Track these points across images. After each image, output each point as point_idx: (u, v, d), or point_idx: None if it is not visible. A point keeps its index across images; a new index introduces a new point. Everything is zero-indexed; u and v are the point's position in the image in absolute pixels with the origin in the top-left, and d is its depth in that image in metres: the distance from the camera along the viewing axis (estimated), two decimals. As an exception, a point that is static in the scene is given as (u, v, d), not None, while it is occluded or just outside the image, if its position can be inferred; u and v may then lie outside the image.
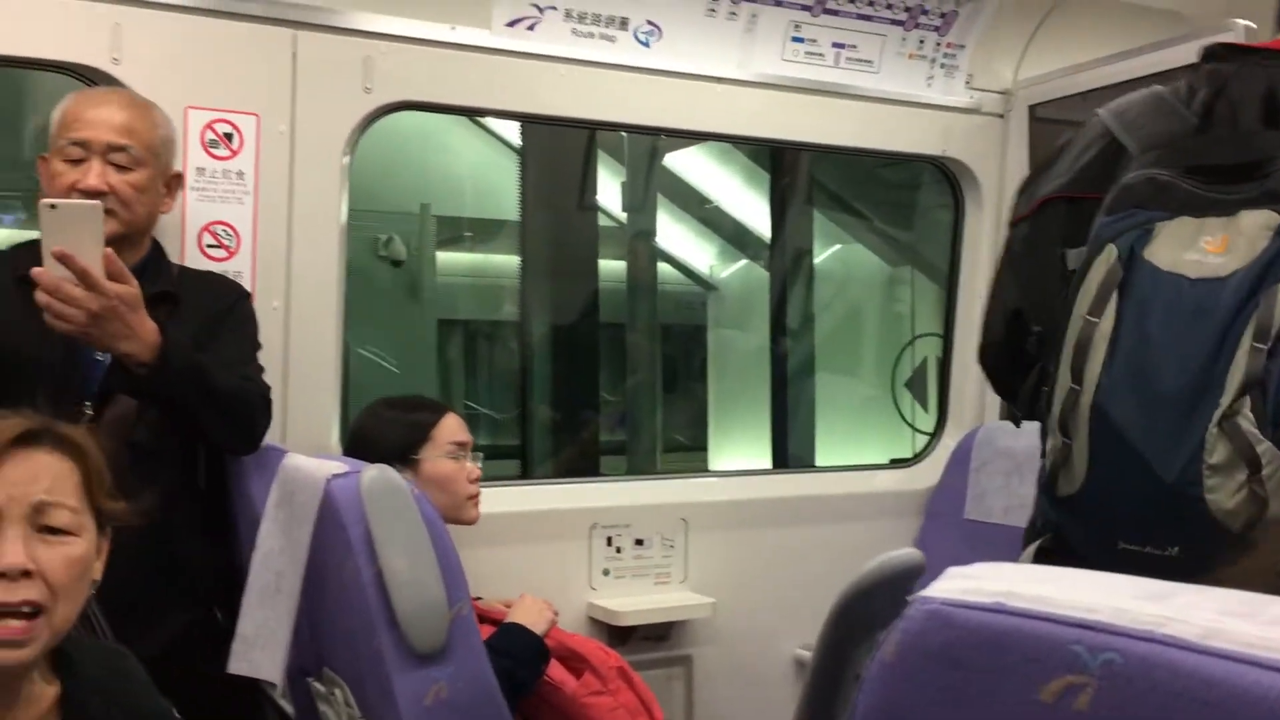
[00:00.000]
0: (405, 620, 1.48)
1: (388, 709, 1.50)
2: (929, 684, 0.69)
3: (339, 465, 1.62)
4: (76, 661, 1.41)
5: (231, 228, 2.24)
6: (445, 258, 7.01)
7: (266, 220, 2.27)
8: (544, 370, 4.94)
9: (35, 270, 1.63)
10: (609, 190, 6.43)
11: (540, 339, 4.97)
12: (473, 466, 2.22)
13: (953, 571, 0.75)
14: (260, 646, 1.64)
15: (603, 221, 6.59)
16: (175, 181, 2.04)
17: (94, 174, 1.89)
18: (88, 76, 2.14)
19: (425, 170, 6.73)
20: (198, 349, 1.90)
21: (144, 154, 1.94)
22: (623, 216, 6.41)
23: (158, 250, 2.04)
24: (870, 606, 0.75)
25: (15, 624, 1.24)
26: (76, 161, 1.90)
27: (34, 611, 1.26)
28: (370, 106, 2.35)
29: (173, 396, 1.74)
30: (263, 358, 2.06)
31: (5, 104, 4.22)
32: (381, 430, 2.19)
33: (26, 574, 1.24)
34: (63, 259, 1.60)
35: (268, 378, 2.02)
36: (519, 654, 2.08)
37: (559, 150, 4.73)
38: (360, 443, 2.19)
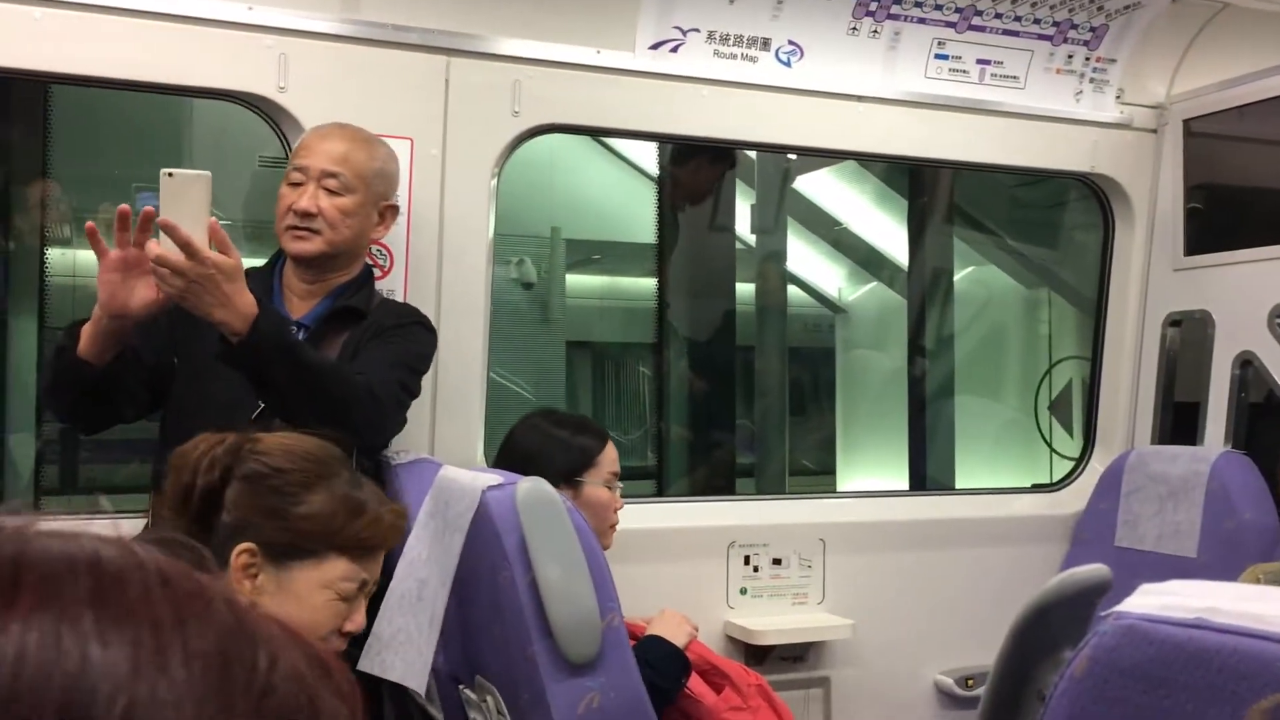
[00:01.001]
0: (559, 629, 1.50)
1: (541, 717, 1.52)
2: (1123, 701, 0.68)
3: (494, 477, 1.66)
4: None
5: (385, 248, 2.31)
6: (575, 280, 7.11)
7: (418, 240, 2.34)
8: (680, 391, 4.96)
9: (148, 243, 1.72)
10: (739, 213, 6.44)
11: (676, 360, 4.99)
12: (618, 497, 2.26)
13: (1148, 587, 0.73)
14: (392, 650, 1.69)
15: (739, 245, 6.61)
16: (389, 211, 2.16)
17: (307, 196, 2.04)
18: (256, 105, 2.25)
19: (556, 194, 6.84)
20: (352, 354, 1.97)
21: (355, 182, 2.06)
22: (753, 239, 6.42)
23: (366, 274, 2.17)
24: (1054, 623, 0.74)
25: None
26: (297, 185, 2.05)
27: None
28: (518, 129, 2.41)
29: (262, 368, 1.79)
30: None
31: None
32: (548, 448, 2.23)
33: None
34: (166, 228, 1.69)
35: (420, 396, 2.08)
36: (660, 665, 2.09)
37: (698, 172, 4.76)
38: (520, 457, 2.22)
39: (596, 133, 2.84)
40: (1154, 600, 0.69)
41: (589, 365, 7.41)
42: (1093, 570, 0.78)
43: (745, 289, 6.22)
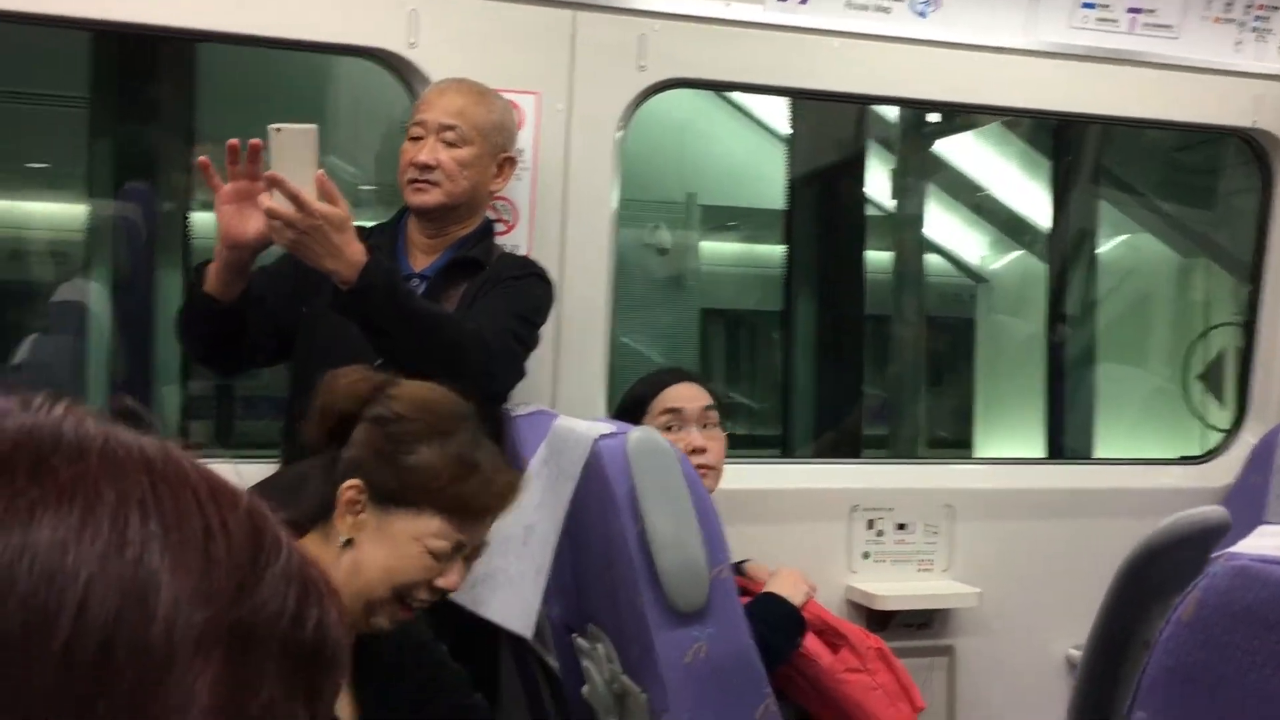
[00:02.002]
0: (667, 578, 1.50)
1: (649, 665, 1.52)
2: (1232, 645, 0.64)
3: (607, 426, 1.66)
4: None
5: (510, 203, 2.33)
6: (710, 247, 7.07)
7: (543, 196, 2.35)
8: (806, 360, 4.88)
9: (261, 196, 1.77)
10: (877, 179, 6.30)
11: (804, 328, 4.92)
12: (693, 436, 2.19)
13: (1265, 529, 0.68)
14: (488, 587, 1.72)
15: (871, 211, 6.48)
16: (508, 163, 2.18)
17: (425, 150, 2.08)
18: (387, 60, 2.29)
19: (691, 159, 6.81)
20: (469, 305, 1.99)
21: (471, 134, 2.09)
22: (891, 205, 6.27)
23: (486, 227, 2.19)
24: (1164, 567, 0.70)
25: (409, 612, 1.46)
26: (417, 139, 2.09)
27: None
28: (644, 84, 2.40)
29: (372, 316, 1.82)
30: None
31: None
32: (626, 394, 2.25)
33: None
34: (275, 182, 1.73)
35: (541, 351, 2.09)
36: (775, 622, 2.07)
37: (828, 134, 4.66)
38: (617, 409, 2.24)
39: (723, 87, 2.80)
40: (1270, 542, 0.64)
41: (723, 333, 7.37)
42: (1208, 512, 0.73)
43: (879, 257, 6.09)
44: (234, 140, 1.81)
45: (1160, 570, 0.70)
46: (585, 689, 1.86)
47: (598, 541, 1.66)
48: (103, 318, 3.18)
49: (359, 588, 1.42)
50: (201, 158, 1.85)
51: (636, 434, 1.57)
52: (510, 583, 1.68)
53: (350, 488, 1.41)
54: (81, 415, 0.41)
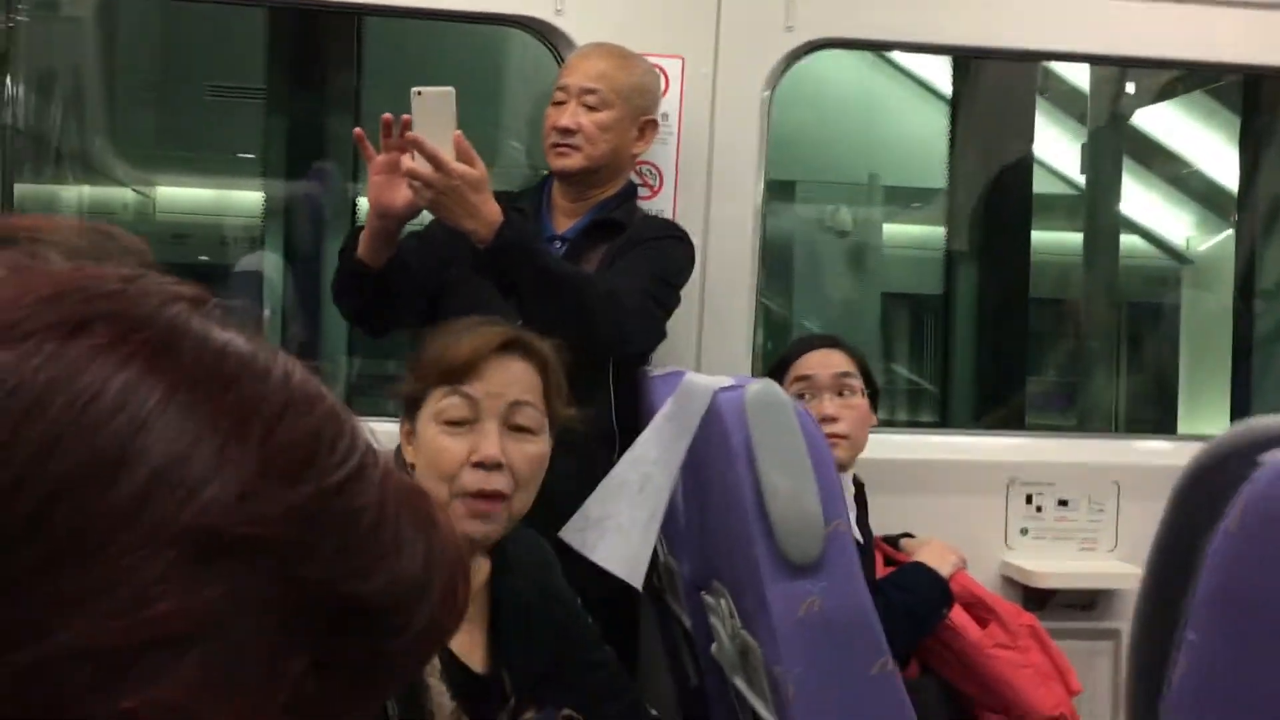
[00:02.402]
0: (780, 530, 1.47)
1: (763, 618, 1.50)
2: (1275, 556, 0.58)
3: (730, 380, 1.65)
4: (507, 544, 1.57)
5: (655, 167, 2.34)
6: (892, 229, 6.91)
7: (688, 160, 2.36)
8: (966, 345, 4.70)
9: (403, 157, 1.83)
10: (1069, 154, 6.02)
11: (964, 313, 4.74)
12: (824, 405, 2.13)
13: (1321, 434, 0.62)
14: (598, 532, 1.72)
15: (1058, 188, 6.19)
16: (649, 126, 2.20)
17: (567, 114, 2.12)
18: (534, 28, 2.34)
19: (874, 140, 6.67)
20: (609, 266, 2.02)
21: (612, 97, 2.12)
22: (1081, 181, 5.98)
23: (629, 190, 2.22)
24: (1223, 484, 0.64)
25: (485, 503, 1.42)
26: (560, 104, 2.14)
27: (501, 496, 1.44)
28: (791, 45, 2.37)
29: (508, 274, 1.87)
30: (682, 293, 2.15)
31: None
32: (771, 362, 2.22)
33: (499, 466, 1.42)
34: (414, 143, 1.79)
35: (686, 315, 2.10)
36: (920, 591, 2.02)
37: (997, 101, 4.46)
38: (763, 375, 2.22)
39: (877, 47, 2.74)
40: (1326, 444, 0.58)
41: (906, 318, 7.19)
42: (1263, 421, 0.67)
43: (1058, 239, 5.82)
44: (387, 115, 1.89)
45: (1213, 486, 0.65)
46: (714, 646, 1.85)
47: (717, 495, 1.65)
48: (277, 286, 3.39)
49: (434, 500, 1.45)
50: (357, 130, 1.94)
51: (755, 386, 1.55)
52: (620, 530, 1.69)
53: (404, 421, 1.49)
54: (187, 310, 0.38)
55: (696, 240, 2.34)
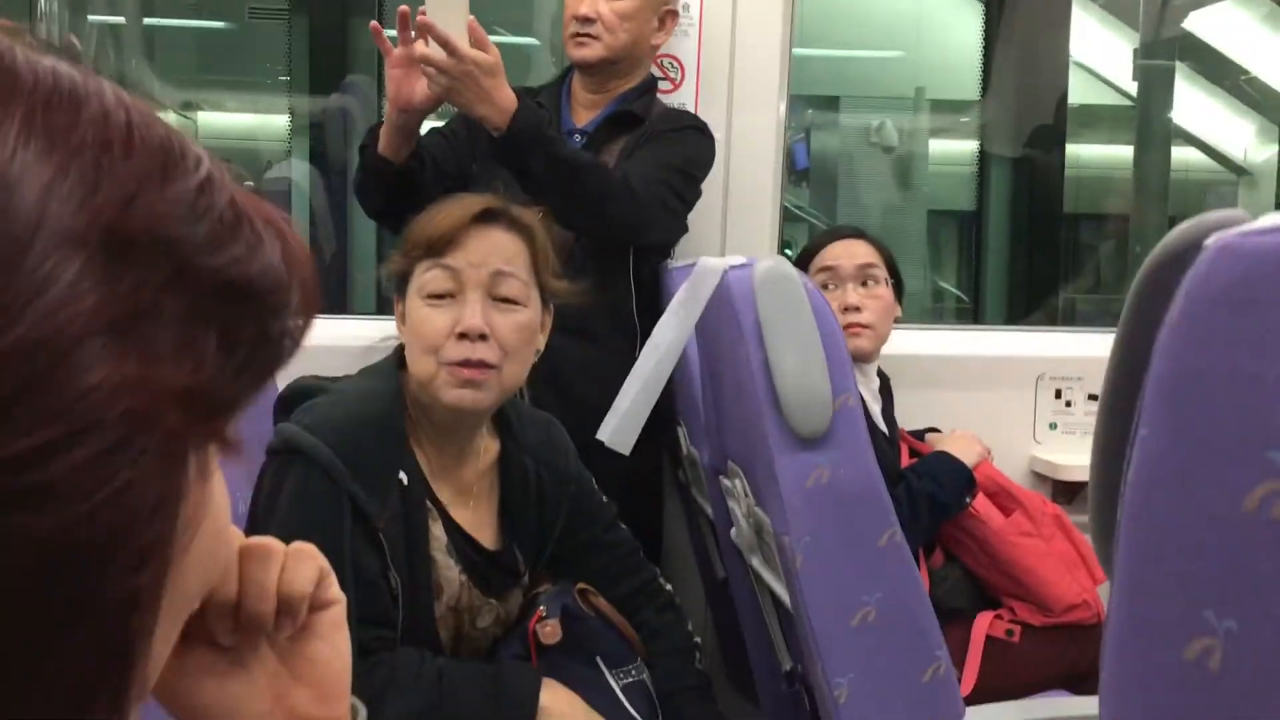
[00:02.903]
0: (787, 404, 1.48)
1: (771, 491, 1.52)
2: (1216, 335, 0.58)
3: (741, 259, 1.65)
4: (515, 424, 1.58)
5: (677, 61, 2.32)
6: (942, 145, 6.79)
7: (710, 52, 2.33)
8: (999, 261, 4.64)
9: (416, 43, 1.83)
10: (1120, 58, 5.85)
11: (996, 229, 4.68)
12: (847, 295, 2.12)
13: (1274, 215, 0.61)
14: (623, 417, 1.73)
15: (1108, 98, 6.03)
16: (670, 16, 2.19)
17: (586, 2, 2.11)
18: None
19: (922, 54, 6.53)
20: (627, 158, 2.01)
21: None
22: (1132, 89, 5.83)
23: (649, 83, 2.21)
24: (1176, 277, 0.64)
25: (472, 370, 1.43)
26: None
27: (487, 369, 1.44)
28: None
29: (522, 162, 1.86)
30: (705, 188, 2.14)
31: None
32: (796, 256, 2.21)
33: (483, 336, 1.41)
34: (426, 28, 1.78)
35: (709, 210, 2.08)
36: (943, 479, 2.03)
37: (1030, 8, 4.34)
38: None
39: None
40: (1266, 221, 0.58)
41: (954, 236, 7.09)
42: (1227, 213, 0.65)
43: (1105, 152, 5.70)
44: (404, 7, 1.88)
45: (1164, 283, 0.64)
46: (733, 530, 1.88)
47: (729, 373, 1.66)
48: (305, 192, 3.43)
49: (417, 378, 1.46)
50: (373, 23, 1.94)
51: (764, 262, 1.55)
52: (617, 407, 1.69)
53: (398, 303, 1.50)
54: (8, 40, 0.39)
55: (719, 134, 2.33)
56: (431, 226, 1.45)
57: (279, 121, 4.08)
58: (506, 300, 1.46)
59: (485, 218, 1.46)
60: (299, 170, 3.43)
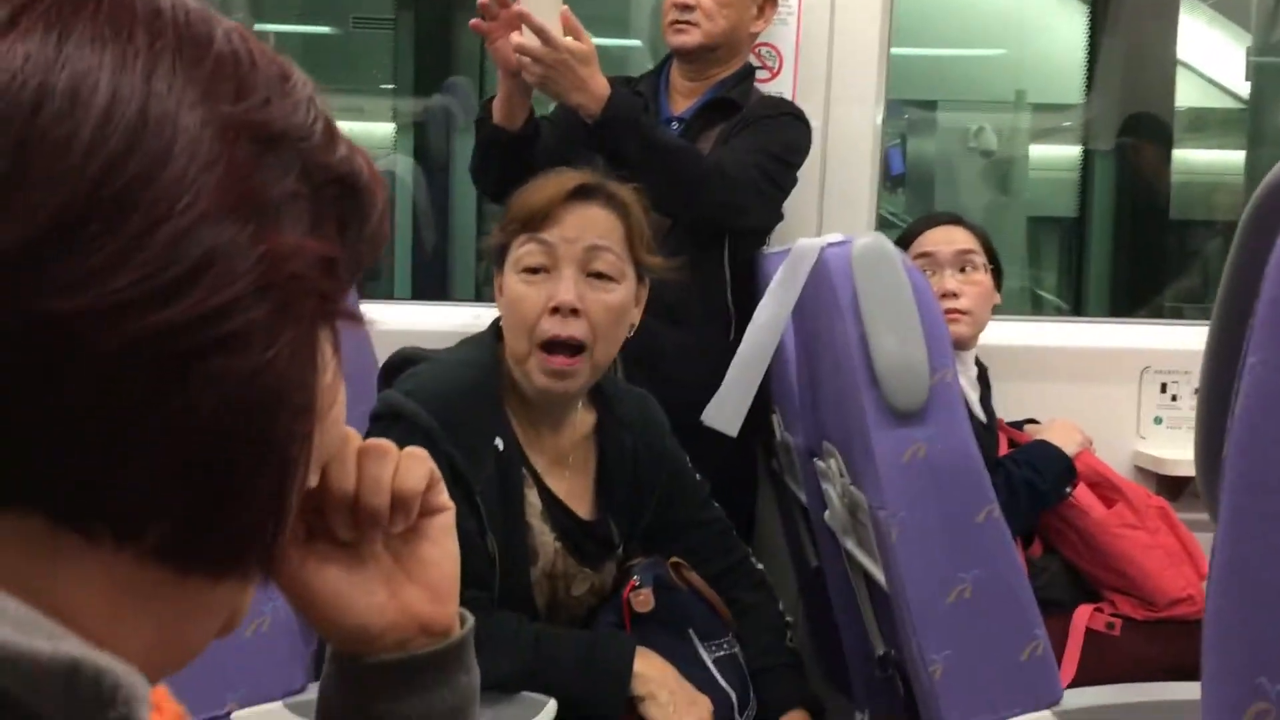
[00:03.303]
0: (884, 378, 1.48)
1: (868, 467, 1.52)
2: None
3: (838, 236, 1.66)
4: (611, 398, 1.61)
5: (775, 49, 2.33)
6: (1042, 150, 6.66)
7: (808, 42, 2.34)
8: (1101, 270, 4.53)
9: (512, 34, 1.86)
10: (1229, 62, 5.69)
11: (1100, 235, 4.56)
12: (945, 281, 2.09)
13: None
14: (727, 403, 1.74)
15: (1218, 101, 5.86)
16: (769, 4, 2.21)
17: None
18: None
19: (1023, 56, 6.42)
20: (723, 142, 2.02)
21: None
22: (1244, 91, 5.65)
23: (746, 70, 2.23)
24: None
25: (562, 358, 1.45)
26: None
27: (578, 348, 1.45)
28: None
29: (616, 148, 1.88)
30: (801, 174, 2.15)
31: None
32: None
33: (575, 312, 1.43)
34: (523, 19, 1.82)
35: (805, 198, 2.08)
36: (1041, 467, 2.00)
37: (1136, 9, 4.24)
38: None
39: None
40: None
41: (1055, 242, 6.94)
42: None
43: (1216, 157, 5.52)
44: None
45: (1273, 216, 0.64)
46: (826, 513, 1.88)
47: (827, 354, 1.66)
48: (408, 184, 3.53)
49: (511, 354, 1.48)
50: (473, 21, 1.97)
51: (862, 239, 1.55)
52: (743, 395, 1.70)
53: (494, 279, 1.52)
54: None
55: (816, 122, 2.33)
56: (529, 201, 1.47)
57: (385, 129, 4.22)
58: (601, 276, 1.48)
59: (581, 193, 1.48)
60: (403, 165, 3.55)
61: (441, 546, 0.68)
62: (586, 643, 1.47)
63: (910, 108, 6.50)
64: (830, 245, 1.63)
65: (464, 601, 1.41)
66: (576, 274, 1.45)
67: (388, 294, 3.46)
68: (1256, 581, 0.69)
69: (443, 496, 0.68)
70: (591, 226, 1.47)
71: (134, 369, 0.39)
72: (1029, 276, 6.56)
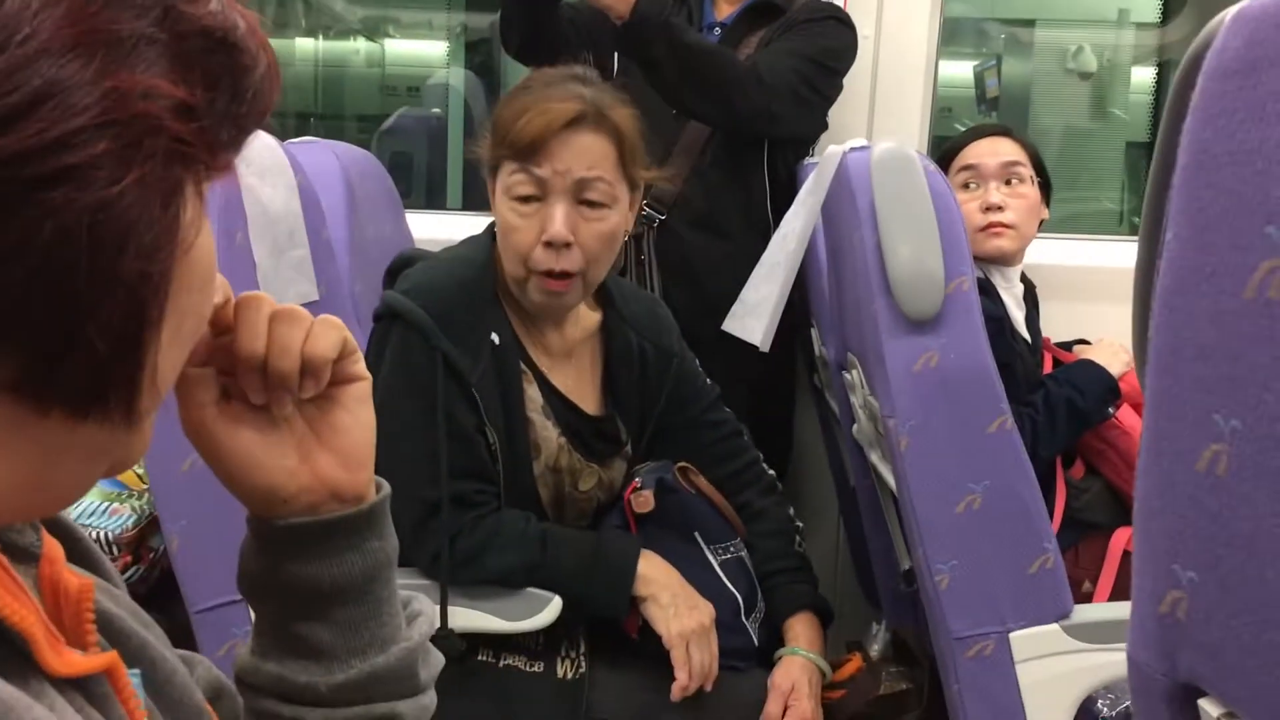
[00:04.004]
0: (897, 285, 1.45)
1: (880, 373, 1.50)
2: (1223, 111, 0.54)
3: (861, 141, 1.62)
4: (617, 297, 1.61)
5: (825, -47, 2.27)
6: (1142, 73, 6.39)
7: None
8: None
9: None
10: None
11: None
12: (989, 194, 2.02)
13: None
14: (755, 316, 1.72)
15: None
16: None
17: None
18: None
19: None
20: (764, 47, 1.98)
21: None
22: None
23: None
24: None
25: (557, 281, 1.45)
26: None
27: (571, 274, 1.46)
28: None
29: (646, 50, 1.85)
30: (851, 85, 2.10)
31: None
32: (937, 153, 2.13)
33: (567, 244, 1.43)
34: None
35: (853, 102, 2.03)
36: (1085, 386, 1.95)
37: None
38: None
39: None
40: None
41: (1142, 168, 6.68)
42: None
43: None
44: None
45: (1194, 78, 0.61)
46: (854, 427, 1.86)
47: (847, 259, 1.64)
48: (460, 92, 3.55)
49: (508, 274, 1.48)
50: None
51: (883, 145, 1.52)
52: (770, 306, 1.68)
53: (488, 182, 1.51)
54: None
55: (868, 30, 2.26)
56: (519, 131, 1.43)
57: (438, 46, 4.28)
58: (593, 204, 1.45)
59: (575, 123, 1.44)
60: (455, 75, 3.58)
61: (354, 414, 0.69)
62: (592, 542, 1.49)
63: (1008, 26, 6.28)
64: (853, 149, 1.59)
65: (468, 492, 1.45)
66: (568, 204, 1.44)
67: (440, 204, 3.50)
68: (1174, 463, 0.67)
69: (358, 366, 0.69)
70: (583, 156, 1.43)
71: None
72: (1126, 203, 6.34)
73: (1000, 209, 2.02)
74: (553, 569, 1.45)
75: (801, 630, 1.56)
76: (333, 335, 0.66)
